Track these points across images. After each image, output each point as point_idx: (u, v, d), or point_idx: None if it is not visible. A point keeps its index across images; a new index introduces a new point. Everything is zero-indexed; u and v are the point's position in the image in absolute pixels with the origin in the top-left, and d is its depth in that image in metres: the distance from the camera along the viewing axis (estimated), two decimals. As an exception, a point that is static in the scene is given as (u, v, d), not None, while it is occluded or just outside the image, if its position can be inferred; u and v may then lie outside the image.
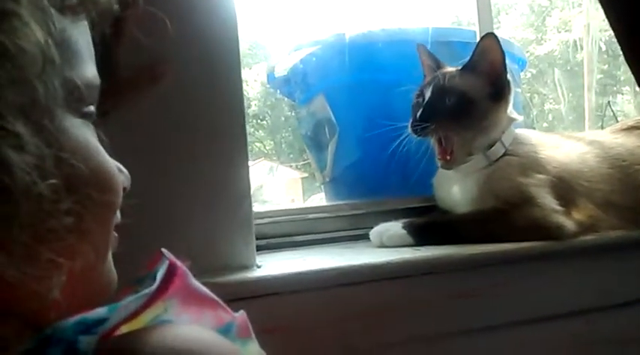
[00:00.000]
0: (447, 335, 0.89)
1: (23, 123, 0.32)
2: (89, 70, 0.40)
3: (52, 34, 0.35)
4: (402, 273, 0.87)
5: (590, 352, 0.97)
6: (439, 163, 1.10)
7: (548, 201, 1.00)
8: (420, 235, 1.01)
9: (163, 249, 0.42)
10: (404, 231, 1.01)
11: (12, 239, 0.32)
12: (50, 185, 0.33)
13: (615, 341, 0.98)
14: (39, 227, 0.33)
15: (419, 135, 1.07)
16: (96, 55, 0.42)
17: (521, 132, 1.17)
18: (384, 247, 1.00)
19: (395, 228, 1.02)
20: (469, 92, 1.08)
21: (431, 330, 0.89)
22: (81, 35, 0.39)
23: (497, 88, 1.10)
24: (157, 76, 0.70)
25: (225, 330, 0.41)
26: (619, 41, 0.57)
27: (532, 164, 1.06)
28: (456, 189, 1.10)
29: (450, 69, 1.14)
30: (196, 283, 0.41)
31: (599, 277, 0.98)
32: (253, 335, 0.44)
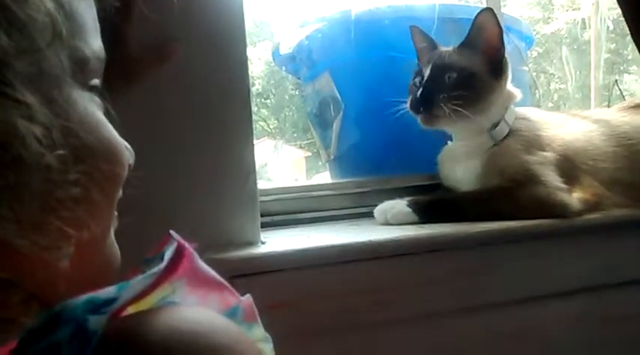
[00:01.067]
0: (451, 313, 0.90)
1: (32, 93, 0.32)
2: (95, 43, 0.40)
3: (61, 5, 0.35)
4: (406, 251, 0.87)
5: (598, 329, 0.98)
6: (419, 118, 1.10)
7: (552, 178, 1.00)
8: (425, 213, 1.00)
9: (172, 231, 0.42)
10: (408, 209, 1.01)
11: (22, 208, 0.32)
12: (58, 155, 0.33)
13: (623, 318, 0.99)
14: (48, 197, 0.33)
15: (420, 114, 1.07)
16: (105, 31, 0.42)
17: (523, 110, 1.16)
18: (389, 225, 1.00)
19: (399, 205, 1.02)
20: (470, 67, 1.07)
21: (435, 307, 0.89)
22: (88, 8, 0.40)
23: (496, 64, 1.09)
24: (166, 54, 0.70)
25: (231, 313, 0.41)
26: (626, 20, 0.56)
27: (536, 142, 1.06)
28: (460, 167, 1.10)
29: (446, 48, 1.13)
30: (204, 265, 0.41)
31: (605, 255, 0.98)
32: (259, 320, 0.44)
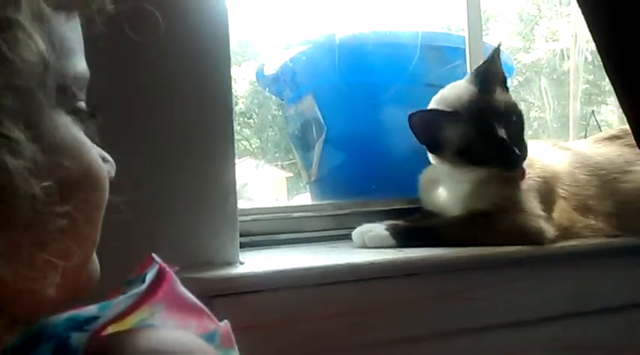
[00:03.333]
0: (427, 337, 0.90)
1: (19, 128, 0.32)
2: (80, 65, 0.40)
3: (50, 36, 0.35)
4: (384, 274, 0.87)
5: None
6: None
7: (531, 205, 1.01)
8: (403, 237, 1.01)
9: (154, 254, 0.42)
10: (386, 233, 1.01)
11: (8, 240, 0.32)
12: (44, 187, 0.33)
13: (592, 347, 1.00)
14: (33, 229, 0.33)
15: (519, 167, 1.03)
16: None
17: None
18: (366, 248, 1.01)
19: (377, 229, 1.02)
20: (509, 97, 1.08)
21: (412, 332, 0.89)
22: (73, 30, 0.39)
23: (505, 81, 1.10)
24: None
25: (208, 338, 0.41)
26: (600, 54, 0.58)
27: None
28: (443, 192, 1.11)
29: (462, 98, 1.05)
30: (184, 290, 0.41)
31: (577, 283, 0.99)
32: (235, 346, 0.44)
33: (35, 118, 0.34)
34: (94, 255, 0.43)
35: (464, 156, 1.04)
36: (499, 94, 1.05)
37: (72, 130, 0.38)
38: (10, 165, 0.31)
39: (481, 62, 1.11)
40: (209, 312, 0.42)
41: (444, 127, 1.04)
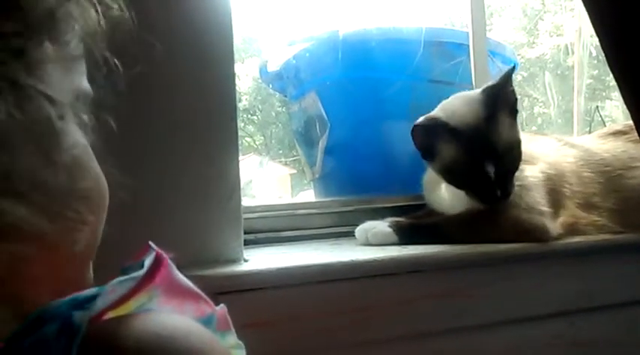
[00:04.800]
0: (430, 334, 0.90)
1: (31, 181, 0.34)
2: (84, 83, 0.41)
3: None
4: (387, 271, 0.87)
5: (572, 354, 0.99)
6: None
7: (536, 201, 1.01)
8: (406, 234, 1.01)
9: (150, 242, 0.42)
10: (389, 230, 1.01)
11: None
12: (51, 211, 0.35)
13: (596, 344, 1.00)
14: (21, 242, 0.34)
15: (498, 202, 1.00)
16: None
17: None
18: (369, 245, 1.01)
19: (380, 226, 1.02)
20: (516, 132, 1.04)
21: (415, 329, 0.89)
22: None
23: (514, 108, 1.06)
24: None
25: (205, 322, 0.42)
26: (603, 49, 0.58)
27: (527, 160, 1.06)
28: (445, 192, 1.11)
29: (466, 118, 1.02)
30: (180, 275, 0.42)
31: (581, 280, 0.99)
32: (232, 328, 0.45)
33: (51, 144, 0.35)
34: (90, 267, 0.44)
35: (449, 174, 1.05)
36: (503, 126, 1.02)
37: (80, 150, 0.39)
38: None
39: (491, 82, 1.06)
40: (205, 296, 0.43)
41: (441, 139, 1.03)
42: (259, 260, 0.87)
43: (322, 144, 1.31)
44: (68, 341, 0.31)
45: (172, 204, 0.82)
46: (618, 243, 1.01)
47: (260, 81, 1.66)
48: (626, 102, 0.57)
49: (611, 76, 0.57)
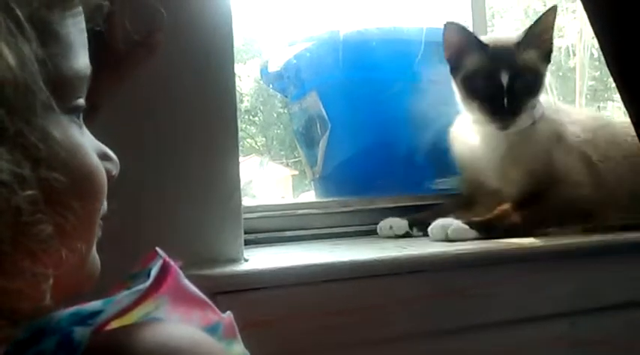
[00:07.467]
0: (432, 334, 0.90)
1: (2, 142, 0.31)
2: (80, 61, 0.39)
3: (43, 39, 0.34)
4: (388, 271, 0.87)
5: (572, 354, 0.98)
6: (496, 126, 1.07)
7: (574, 172, 1.06)
8: (483, 230, 1.02)
9: (158, 248, 0.42)
10: (466, 226, 1.02)
11: None
12: (28, 196, 0.32)
13: (598, 344, 0.99)
14: (20, 239, 0.32)
15: (504, 121, 1.06)
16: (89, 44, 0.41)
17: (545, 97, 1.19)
18: (448, 241, 1.00)
19: (455, 222, 1.02)
20: (541, 68, 1.09)
21: (417, 328, 0.89)
22: (73, 26, 0.38)
23: (548, 53, 1.11)
24: (152, 46, 0.68)
25: (212, 330, 0.42)
26: (603, 51, 0.58)
27: (563, 133, 1.10)
28: (480, 145, 1.11)
29: (501, 41, 1.11)
30: (187, 283, 0.41)
31: (582, 280, 0.99)
32: (239, 336, 0.44)
33: (20, 127, 0.32)
34: (94, 252, 0.42)
35: (466, 85, 1.09)
36: (529, 55, 1.08)
37: (66, 130, 0.36)
38: None
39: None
40: (212, 305, 0.43)
41: (469, 51, 1.09)
42: (259, 260, 0.87)
43: (323, 144, 1.31)
44: None
45: (173, 204, 0.82)
46: (618, 243, 1.01)
47: (262, 82, 1.65)
48: (625, 106, 0.57)
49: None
